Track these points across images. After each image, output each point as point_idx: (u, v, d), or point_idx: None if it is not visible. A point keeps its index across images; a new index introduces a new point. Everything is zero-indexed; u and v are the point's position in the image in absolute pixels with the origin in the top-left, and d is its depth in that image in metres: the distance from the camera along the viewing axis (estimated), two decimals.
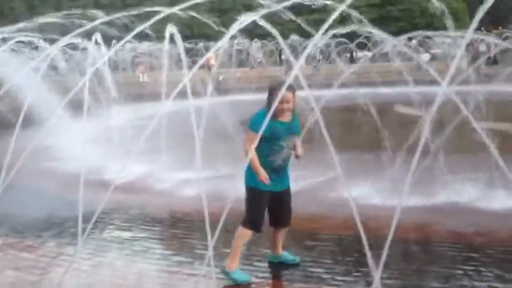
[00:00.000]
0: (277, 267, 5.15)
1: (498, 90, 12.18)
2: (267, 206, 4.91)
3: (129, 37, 5.70)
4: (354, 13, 6.13)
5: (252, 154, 4.53)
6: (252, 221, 4.86)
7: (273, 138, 4.74)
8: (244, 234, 4.87)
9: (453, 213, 6.54)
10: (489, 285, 4.56)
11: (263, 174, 4.69)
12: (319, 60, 32.97)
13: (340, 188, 6.94)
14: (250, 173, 4.78)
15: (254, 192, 4.84)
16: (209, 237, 3.92)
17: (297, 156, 4.96)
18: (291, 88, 4.70)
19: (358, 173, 7.63)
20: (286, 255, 5.23)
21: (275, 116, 4.55)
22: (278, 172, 4.88)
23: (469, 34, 3.32)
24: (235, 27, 5.02)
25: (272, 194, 4.87)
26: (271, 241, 5.23)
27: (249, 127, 4.77)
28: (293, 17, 5.77)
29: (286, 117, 4.81)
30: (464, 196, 6.97)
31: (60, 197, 7.98)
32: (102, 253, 5.65)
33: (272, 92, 4.67)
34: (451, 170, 7.39)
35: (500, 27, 49.78)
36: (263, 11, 4.85)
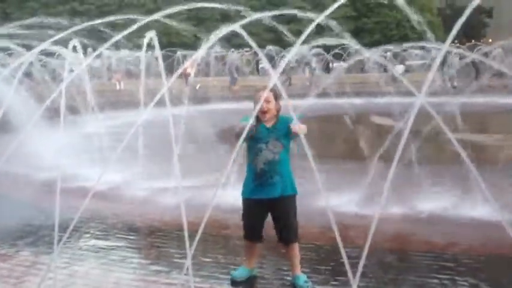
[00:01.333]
0: (255, 276, 5.15)
1: (473, 102, 12.43)
2: (257, 215, 4.91)
3: (106, 45, 5.68)
4: (332, 24, 6.21)
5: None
6: (244, 229, 4.99)
7: (253, 140, 4.74)
8: (245, 244, 5.12)
9: (429, 223, 6.63)
10: None
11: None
12: (314, 68, 33.18)
13: (317, 198, 6.99)
14: (244, 183, 4.91)
15: (242, 201, 4.96)
16: (187, 245, 3.91)
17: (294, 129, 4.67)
18: (272, 90, 4.77)
19: (335, 183, 7.70)
20: (298, 278, 4.89)
21: (257, 118, 4.69)
22: (261, 178, 4.76)
23: (446, 46, 3.40)
24: (213, 37, 5.05)
25: (262, 204, 4.84)
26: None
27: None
28: (275, 26, 5.82)
29: (269, 122, 4.81)
30: (440, 206, 7.08)
31: (36, 205, 7.87)
32: (78, 262, 5.57)
33: (255, 94, 4.81)
34: (427, 180, 7.50)
35: (473, 41, 50.83)
36: (243, 21, 4.89)
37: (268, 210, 4.90)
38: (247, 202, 4.91)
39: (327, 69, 39.17)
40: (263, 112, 4.74)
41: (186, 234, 3.84)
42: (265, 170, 4.75)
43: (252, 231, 4.95)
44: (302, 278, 4.87)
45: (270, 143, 4.77)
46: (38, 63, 14.89)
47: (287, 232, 4.87)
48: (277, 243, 5.03)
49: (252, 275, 5.11)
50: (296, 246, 4.92)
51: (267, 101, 4.73)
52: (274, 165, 4.76)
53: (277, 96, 4.83)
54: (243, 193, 4.93)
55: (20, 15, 39.37)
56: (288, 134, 4.76)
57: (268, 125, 4.82)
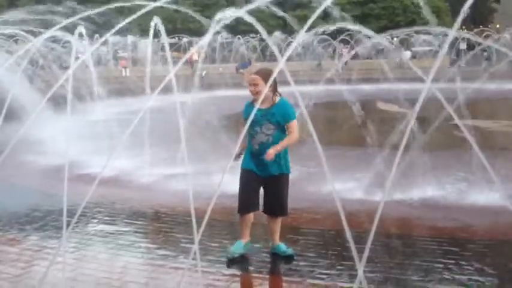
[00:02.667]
0: (261, 261, 5.19)
1: (480, 88, 12.36)
2: (253, 186, 5.13)
3: (112, 31, 5.68)
4: (338, 10, 6.18)
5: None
6: (239, 202, 5.15)
7: (251, 124, 4.81)
8: (240, 219, 5.27)
9: (435, 208, 6.65)
10: (469, 278, 4.65)
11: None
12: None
13: (323, 183, 7.02)
14: (244, 156, 5.17)
15: (241, 171, 5.18)
16: (195, 230, 3.94)
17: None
18: (260, 72, 5.04)
19: (341, 168, 7.71)
20: (279, 247, 5.28)
21: (252, 101, 5.13)
22: (258, 157, 5.05)
23: (453, 32, 3.39)
24: (218, 23, 5.04)
25: (258, 177, 5.11)
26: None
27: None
28: (280, 12, 5.81)
29: (263, 104, 4.95)
30: (446, 191, 7.09)
31: (44, 191, 7.94)
32: (86, 246, 5.63)
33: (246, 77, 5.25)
34: (433, 166, 7.50)
35: (480, 26, 50.42)
36: (248, 7, 4.87)
37: (262, 185, 5.18)
38: (245, 172, 5.14)
39: (334, 55, 38.96)
40: (253, 94, 5.06)
41: (193, 219, 3.87)
42: (260, 151, 5.01)
43: (248, 202, 5.14)
44: (283, 245, 5.27)
45: (263, 125, 5.04)
46: (44, 50, 14.91)
47: (276, 207, 5.23)
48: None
49: (247, 249, 5.30)
50: (280, 220, 5.30)
51: (254, 84, 5.01)
52: (268, 147, 4.98)
53: (266, 79, 4.90)
54: (242, 164, 5.18)
55: (26, 1, 39.28)
56: (284, 117, 5.04)
57: (264, 106, 4.98)
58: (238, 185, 5.16)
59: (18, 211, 7.02)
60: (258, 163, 5.07)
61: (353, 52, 20.86)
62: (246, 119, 4.95)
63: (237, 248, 5.22)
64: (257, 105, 4.81)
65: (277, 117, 5.04)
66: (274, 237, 5.30)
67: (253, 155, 5.10)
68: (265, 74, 4.96)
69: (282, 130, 5.06)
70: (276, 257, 5.24)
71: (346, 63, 32.54)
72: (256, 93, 5.01)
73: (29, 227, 6.31)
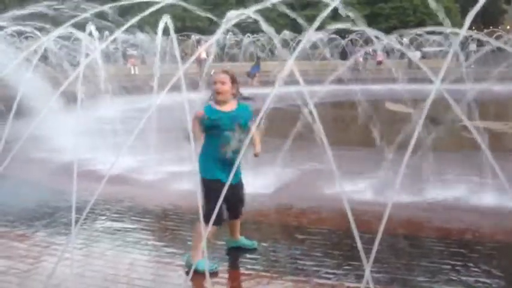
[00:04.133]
0: (267, 260, 5.20)
1: (489, 89, 12.31)
2: (223, 199, 4.82)
3: (122, 29, 5.70)
4: (347, 10, 6.16)
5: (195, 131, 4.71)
6: (212, 214, 4.58)
7: (217, 128, 4.82)
8: (210, 231, 4.59)
9: (442, 210, 6.63)
10: (476, 280, 4.64)
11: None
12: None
13: (330, 183, 7.01)
14: (203, 163, 4.88)
15: (208, 183, 4.80)
16: (203, 229, 3.96)
17: (255, 154, 5.06)
18: (229, 72, 4.99)
19: (349, 169, 7.69)
20: (242, 238, 5.40)
21: (216, 104, 4.92)
22: (230, 165, 4.41)
23: (463, 31, 3.38)
24: (228, 22, 5.05)
25: (224, 186, 4.61)
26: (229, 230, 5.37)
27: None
28: (289, 13, 5.80)
29: (224, 106, 4.92)
30: (454, 193, 7.07)
31: (52, 187, 7.99)
32: (94, 243, 5.66)
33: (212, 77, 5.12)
34: (442, 167, 7.48)
35: (491, 27, 50.15)
36: (257, 6, 4.88)
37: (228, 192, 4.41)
38: (214, 183, 4.71)
39: (344, 55, 38.88)
40: (217, 93, 4.90)
41: (201, 217, 3.89)
42: (233, 158, 4.53)
43: (223, 214, 4.78)
44: (243, 237, 5.41)
45: (236, 131, 4.80)
46: (54, 47, 14.97)
47: (241, 208, 5.21)
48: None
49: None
50: None
51: (222, 82, 4.90)
52: (238, 153, 4.51)
53: (234, 80, 4.94)
54: (210, 174, 4.81)
55: None
56: (250, 117, 4.94)
57: (228, 109, 4.90)
58: (208, 197, 4.66)
59: (27, 207, 7.07)
60: (230, 171, 4.20)
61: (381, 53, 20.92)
62: (210, 124, 4.79)
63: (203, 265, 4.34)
64: (224, 109, 4.86)
65: (246, 120, 4.91)
66: (237, 234, 5.38)
67: (225, 163, 4.71)
68: (233, 75, 4.98)
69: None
70: (280, 256, 5.25)
71: (379, 63, 32.59)
72: (221, 93, 4.89)
73: (37, 223, 6.36)
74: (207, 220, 4.25)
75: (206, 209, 4.40)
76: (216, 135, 4.83)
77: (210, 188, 4.68)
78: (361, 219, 5.63)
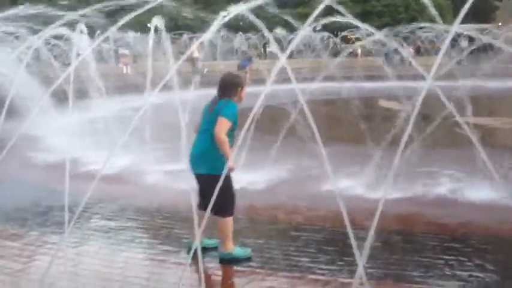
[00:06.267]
0: (261, 256, 5.21)
1: (480, 85, 12.37)
2: None
3: (113, 28, 5.69)
4: (339, 7, 6.18)
5: (225, 139, 4.84)
6: (232, 206, 5.06)
7: (234, 126, 5.01)
8: (230, 223, 5.05)
9: (435, 205, 6.66)
10: (470, 275, 4.66)
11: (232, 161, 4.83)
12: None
13: (323, 180, 7.03)
14: (220, 162, 4.81)
15: (226, 178, 4.80)
16: (196, 226, 3.96)
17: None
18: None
19: (342, 166, 7.71)
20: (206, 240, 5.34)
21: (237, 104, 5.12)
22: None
23: (454, 28, 3.40)
24: (220, 20, 5.05)
25: None
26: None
27: (225, 115, 4.92)
28: (277, 11, 5.82)
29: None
30: (447, 188, 7.11)
31: (45, 187, 7.96)
32: (88, 242, 5.66)
33: (239, 84, 5.13)
34: (434, 163, 7.52)
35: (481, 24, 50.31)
36: (249, 4, 4.88)
37: None
38: (230, 177, 5.01)
39: (336, 53, 38.94)
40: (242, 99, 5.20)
41: (195, 215, 3.90)
42: None
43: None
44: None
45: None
46: (45, 47, 14.91)
47: None
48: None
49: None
50: None
51: None
52: None
53: None
54: (220, 170, 4.73)
55: None
56: None
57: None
58: (228, 190, 4.90)
59: (20, 206, 7.05)
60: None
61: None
62: (234, 124, 4.98)
63: (244, 252, 5.16)
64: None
65: None
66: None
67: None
68: None
69: None
70: (274, 253, 5.27)
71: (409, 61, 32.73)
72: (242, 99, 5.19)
73: (30, 222, 6.34)
74: (223, 213, 4.88)
75: (221, 203, 4.61)
76: (230, 134, 4.96)
77: (229, 181, 4.94)
78: (355, 216, 5.64)
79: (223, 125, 4.85)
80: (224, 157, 4.77)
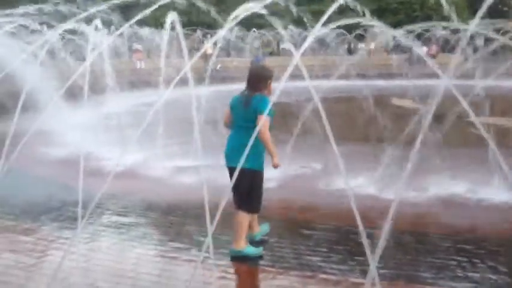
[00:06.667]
0: (273, 255, 5.20)
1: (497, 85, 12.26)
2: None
3: (128, 24, 5.71)
4: (354, 4, 6.14)
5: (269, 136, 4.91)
6: (259, 203, 5.13)
7: (271, 122, 5.05)
8: (247, 220, 5.12)
9: (449, 206, 6.61)
10: (482, 276, 4.63)
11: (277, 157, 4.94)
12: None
13: (336, 179, 7.01)
14: (257, 158, 4.94)
15: (258, 174, 5.06)
16: (208, 223, 3.96)
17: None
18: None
19: (355, 164, 7.67)
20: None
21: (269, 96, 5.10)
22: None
23: (472, 27, 3.36)
24: (234, 18, 5.05)
25: None
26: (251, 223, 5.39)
27: (265, 113, 4.86)
28: (294, 8, 5.82)
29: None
30: (460, 188, 7.05)
31: (58, 182, 8.01)
32: (100, 238, 5.68)
33: (269, 76, 5.10)
34: (448, 163, 7.45)
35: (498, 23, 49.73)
36: (264, 2, 4.87)
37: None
38: (262, 174, 5.12)
39: (349, 50, 38.78)
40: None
41: (207, 212, 3.90)
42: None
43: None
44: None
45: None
46: (60, 42, 15.00)
47: None
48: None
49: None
50: None
51: None
52: None
53: None
54: (259, 166, 5.05)
55: None
56: None
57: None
58: (257, 188, 5.08)
59: (34, 201, 7.10)
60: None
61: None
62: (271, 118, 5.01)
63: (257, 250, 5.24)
64: None
65: None
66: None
67: (264, 154, 5.05)
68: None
69: None
70: (285, 251, 5.28)
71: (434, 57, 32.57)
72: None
73: (44, 217, 6.38)
74: (250, 209, 5.05)
75: (248, 199, 4.96)
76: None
77: (259, 179, 5.07)
78: (367, 215, 5.62)
79: (266, 123, 4.88)
80: (263, 154, 4.96)
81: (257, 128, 4.57)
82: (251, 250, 5.14)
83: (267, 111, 4.80)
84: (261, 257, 5.14)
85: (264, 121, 4.78)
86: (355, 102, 13.60)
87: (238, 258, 5.07)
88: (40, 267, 4.98)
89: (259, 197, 5.12)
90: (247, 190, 4.99)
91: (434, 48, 34.40)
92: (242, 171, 4.78)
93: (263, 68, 5.40)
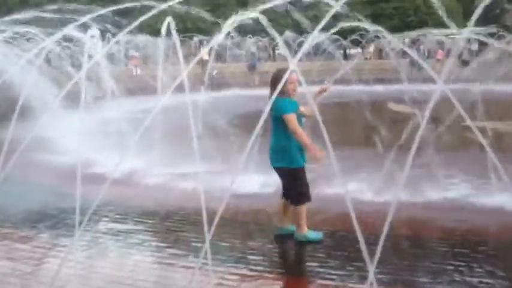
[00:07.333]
0: (271, 261, 5.20)
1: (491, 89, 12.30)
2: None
3: (125, 32, 5.71)
4: (348, 10, 6.16)
5: (301, 132, 5.22)
6: (306, 195, 5.48)
7: (299, 120, 5.36)
8: (303, 210, 5.58)
9: (446, 210, 6.62)
10: (480, 281, 4.63)
11: (316, 148, 5.13)
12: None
13: (333, 184, 7.00)
14: (294, 155, 5.34)
15: (299, 170, 5.44)
16: (206, 230, 3.95)
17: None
18: (294, 71, 5.17)
19: (352, 169, 7.69)
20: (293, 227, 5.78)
21: (291, 97, 5.38)
22: (303, 152, 5.40)
23: (466, 32, 3.38)
24: (230, 24, 5.05)
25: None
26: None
27: (285, 111, 5.25)
28: (295, 13, 5.89)
29: (295, 98, 5.42)
30: (458, 193, 7.06)
31: (55, 189, 7.99)
32: (97, 245, 5.67)
33: (279, 78, 5.14)
34: (445, 167, 7.47)
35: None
36: (259, 7, 4.87)
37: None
38: (303, 170, 5.50)
39: (345, 56, 38.87)
40: (294, 90, 5.41)
41: (204, 218, 3.89)
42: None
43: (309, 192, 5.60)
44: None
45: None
46: (57, 49, 14.99)
47: None
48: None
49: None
50: None
51: (292, 82, 5.34)
52: None
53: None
54: (298, 163, 5.40)
55: (39, 0, 39.54)
56: None
57: (296, 99, 5.44)
58: (300, 181, 5.45)
59: (31, 209, 7.09)
60: (302, 156, 5.44)
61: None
62: (299, 117, 5.35)
63: (317, 235, 5.67)
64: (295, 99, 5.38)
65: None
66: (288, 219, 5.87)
67: (301, 150, 5.38)
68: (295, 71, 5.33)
69: None
70: (284, 257, 5.30)
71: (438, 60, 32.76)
72: (296, 91, 5.40)
73: (41, 225, 6.37)
74: (296, 203, 5.48)
75: (295, 193, 5.50)
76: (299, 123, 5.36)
77: (300, 175, 5.45)
78: (365, 220, 5.62)
79: (291, 121, 5.23)
80: (297, 151, 5.32)
81: (288, 129, 5.17)
82: (312, 235, 5.59)
83: (287, 110, 5.20)
84: (320, 241, 5.58)
85: (288, 121, 5.19)
86: (352, 107, 13.64)
87: (236, 263, 5.07)
88: (37, 275, 4.96)
89: (304, 191, 5.45)
90: (290, 186, 5.46)
91: (440, 53, 34.65)
92: (281, 170, 5.47)
93: (279, 70, 5.51)
